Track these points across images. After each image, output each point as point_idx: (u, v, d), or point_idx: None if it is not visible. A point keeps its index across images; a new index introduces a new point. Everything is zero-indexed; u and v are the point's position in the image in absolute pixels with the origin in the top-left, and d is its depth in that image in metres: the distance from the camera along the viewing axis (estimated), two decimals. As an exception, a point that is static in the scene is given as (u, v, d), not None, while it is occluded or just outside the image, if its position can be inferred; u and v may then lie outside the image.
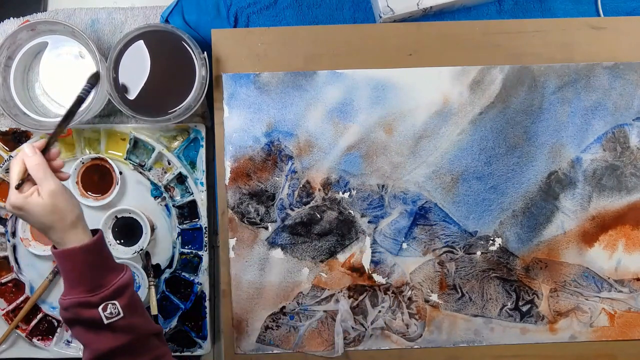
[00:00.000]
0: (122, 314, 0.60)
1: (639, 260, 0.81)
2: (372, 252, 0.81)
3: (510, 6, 0.84)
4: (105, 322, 0.59)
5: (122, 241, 0.82)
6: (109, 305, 0.60)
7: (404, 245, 0.81)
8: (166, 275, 0.83)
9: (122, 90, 0.77)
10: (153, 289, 0.81)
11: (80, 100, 0.67)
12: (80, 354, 0.82)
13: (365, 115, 0.80)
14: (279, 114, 0.80)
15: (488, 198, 0.81)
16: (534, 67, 0.80)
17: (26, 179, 0.62)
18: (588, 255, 0.81)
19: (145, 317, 0.64)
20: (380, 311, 0.81)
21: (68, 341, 0.83)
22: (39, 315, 0.82)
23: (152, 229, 0.82)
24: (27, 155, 0.62)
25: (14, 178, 0.61)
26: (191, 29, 0.83)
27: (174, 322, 0.82)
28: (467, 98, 0.80)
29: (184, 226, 0.82)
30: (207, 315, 0.82)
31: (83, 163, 0.81)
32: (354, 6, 0.84)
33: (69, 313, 0.60)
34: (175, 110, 0.76)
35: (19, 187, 0.61)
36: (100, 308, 0.59)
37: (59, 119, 0.66)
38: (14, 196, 0.61)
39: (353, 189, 0.81)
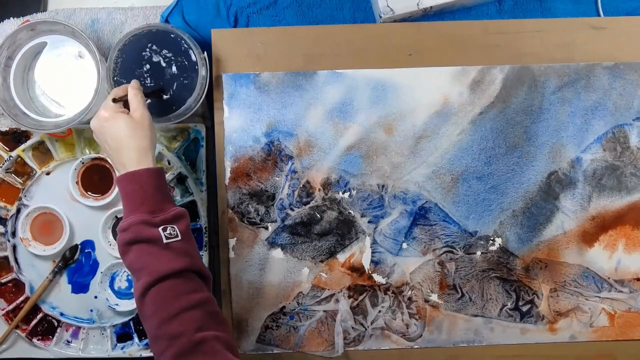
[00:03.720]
0: (179, 237, 0.62)
1: (639, 260, 0.81)
2: (372, 252, 0.81)
3: (510, 6, 0.84)
4: (165, 241, 0.61)
5: (122, 241, 0.82)
6: (169, 227, 0.62)
7: (404, 245, 0.81)
8: (166, 275, 0.83)
9: (122, 90, 0.77)
10: (153, 289, 0.81)
11: (162, 90, 0.76)
12: (80, 354, 0.82)
13: (365, 115, 0.80)
14: (279, 114, 0.80)
15: (488, 198, 0.81)
16: (534, 67, 0.80)
17: (121, 100, 0.68)
18: (588, 255, 0.81)
19: (198, 252, 0.65)
20: (380, 311, 0.81)
21: (68, 341, 0.83)
22: (39, 315, 0.82)
23: (152, 229, 0.82)
24: (133, 87, 0.69)
25: (113, 94, 0.68)
26: (191, 29, 0.83)
27: (174, 322, 0.82)
28: (467, 98, 0.80)
29: (184, 226, 0.82)
30: (207, 315, 0.82)
31: (83, 163, 0.81)
32: (354, 6, 0.84)
33: (128, 233, 0.61)
34: (175, 110, 0.76)
35: (115, 101, 0.67)
36: (160, 228, 0.61)
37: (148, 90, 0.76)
38: (104, 109, 0.66)
39: (353, 189, 0.81)
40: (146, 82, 0.77)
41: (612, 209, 0.81)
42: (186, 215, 0.65)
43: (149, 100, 0.76)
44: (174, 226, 0.63)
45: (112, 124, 0.65)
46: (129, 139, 0.65)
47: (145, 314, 0.60)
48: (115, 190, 0.81)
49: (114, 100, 0.68)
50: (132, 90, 0.68)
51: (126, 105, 0.68)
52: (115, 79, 0.77)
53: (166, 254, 0.61)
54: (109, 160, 0.80)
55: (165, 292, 0.59)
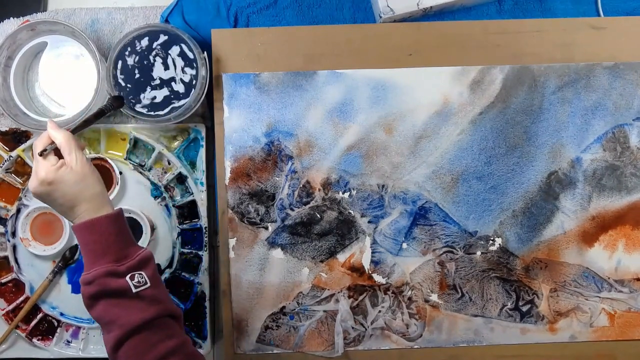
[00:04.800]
0: (149, 284, 0.60)
1: (639, 260, 0.81)
2: (372, 252, 0.81)
3: (510, 6, 0.84)
4: (134, 290, 0.59)
5: (122, 241, 0.82)
6: (136, 274, 0.60)
7: (404, 245, 0.81)
8: (166, 275, 0.83)
9: (122, 90, 0.77)
10: (153, 289, 0.81)
11: (101, 113, 0.71)
12: (80, 354, 0.82)
13: (365, 115, 0.80)
14: (279, 114, 0.80)
15: (488, 198, 0.81)
16: (534, 67, 0.80)
17: (49, 150, 0.63)
18: (588, 255, 0.81)
19: (168, 295, 0.63)
20: (380, 311, 0.81)
21: (68, 341, 0.83)
22: (39, 315, 0.82)
23: (152, 229, 0.82)
24: (54, 129, 0.63)
25: (39, 148, 0.62)
26: (191, 29, 0.83)
27: (174, 322, 0.82)
28: (467, 98, 0.80)
29: (184, 226, 0.82)
30: (207, 316, 0.82)
31: (83, 163, 0.81)
32: (354, 6, 0.84)
33: (94, 286, 0.59)
34: (175, 110, 0.77)
35: (42, 154, 0.62)
36: (127, 277, 0.59)
37: (79, 119, 0.70)
38: (43, 170, 0.61)
39: (353, 189, 0.81)
40: (146, 82, 0.77)
41: (612, 209, 0.81)
42: (151, 257, 0.63)
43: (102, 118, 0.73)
44: (142, 272, 0.60)
45: (57, 185, 0.61)
46: (81, 192, 0.61)
47: None
48: (115, 190, 0.81)
49: (42, 154, 0.62)
50: (58, 136, 0.63)
51: (57, 151, 0.63)
52: (115, 78, 0.77)
53: (136, 303, 0.59)
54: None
55: (139, 344, 0.58)
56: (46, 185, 0.61)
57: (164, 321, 0.60)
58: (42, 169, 0.61)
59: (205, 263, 0.82)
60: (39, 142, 0.63)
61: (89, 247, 0.61)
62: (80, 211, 0.62)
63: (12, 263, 0.83)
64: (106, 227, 0.61)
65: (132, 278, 0.59)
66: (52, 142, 0.63)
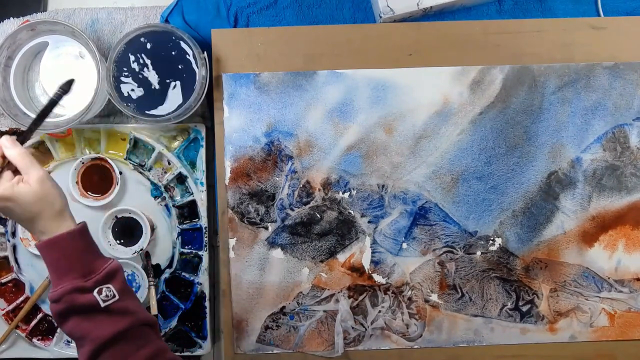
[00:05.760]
0: (117, 297, 0.59)
1: (639, 260, 0.81)
2: (372, 252, 0.81)
3: (510, 6, 0.84)
4: (102, 305, 0.58)
5: (122, 241, 0.82)
6: (104, 288, 0.59)
7: (404, 245, 0.81)
8: (166, 275, 0.83)
9: (122, 90, 0.77)
10: (153, 289, 0.81)
11: (53, 104, 0.67)
12: (80, 354, 0.82)
13: (365, 115, 0.80)
14: (279, 114, 0.80)
15: (488, 198, 0.81)
16: (534, 67, 0.80)
17: (5, 168, 0.61)
18: (588, 255, 0.81)
19: (139, 304, 0.62)
20: (380, 311, 0.81)
21: (68, 341, 0.83)
22: (39, 315, 0.82)
23: (152, 229, 0.82)
24: (7, 146, 0.61)
25: None
26: (191, 29, 0.83)
27: (174, 322, 0.82)
28: (467, 98, 0.80)
29: (184, 226, 0.82)
30: (207, 315, 0.82)
31: (83, 163, 0.81)
32: (354, 6, 0.84)
33: (61, 304, 0.58)
34: (175, 110, 0.77)
35: None
36: (95, 292, 0.58)
37: (36, 116, 0.67)
38: (0, 187, 0.59)
39: (353, 189, 0.81)
40: (146, 82, 0.77)
41: (612, 209, 0.81)
42: (119, 269, 0.62)
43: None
44: (109, 286, 0.59)
45: (14, 203, 0.59)
46: (42, 210, 0.60)
47: None
48: (115, 190, 0.81)
49: None
50: (12, 152, 0.61)
51: (10, 165, 0.62)
52: (115, 78, 0.77)
53: (106, 317, 0.58)
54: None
55: (114, 356, 0.57)
56: (4, 202, 0.59)
57: (138, 330, 0.59)
58: None
59: (205, 263, 0.82)
60: None
61: (53, 264, 0.60)
62: (41, 227, 0.60)
63: (12, 263, 0.83)
64: (69, 243, 0.60)
65: (99, 292, 0.58)
66: (6, 159, 0.61)
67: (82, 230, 0.62)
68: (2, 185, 0.60)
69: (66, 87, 0.68)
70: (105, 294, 0.59)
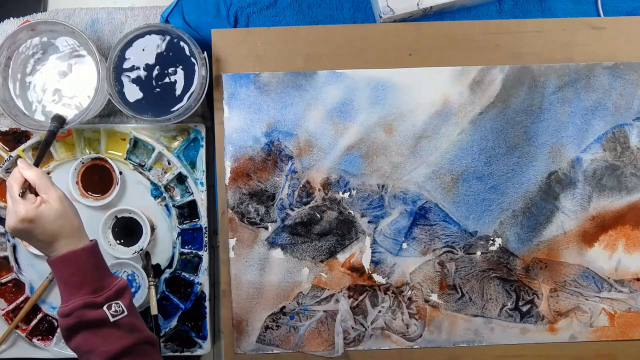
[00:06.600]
0: (126, 312, 0.61)
1: (639, 260, 0.81)
2: (372, 252, 0.81)
3: (510, 6, 0.84)
4: (112, 319, 0.60)
5: (122, 241, 0.82)
6: (113, 304, 0.61)
7: (404, 245, 0.81)
8: (166, 275, 0.83)
9: (122, 90, 0.77)
10: (153, 289, 0.81)
11: (52, 135, 0.71)
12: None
13: (365, 115, 0.80)
14: (279, 114, 0.80)
15: (488, 198, 0.81)
16: (534, 67, 0.80)
17: (26, 190, 0.63)
18: (588, 255, 0.81)
19: (144, 322, 0.64)
20: (380, 311, 0.81)
21: (68, 341, 0.83)
22: (39, 315, 0.82)
23: (152, 229, 0.82)
24: (25, 169, 0.63)
25: (15, 191, 0.62)
26: (191, 29, 0.83)
27: (174, 322, 0.82)
28: (467, 98, 0.80)
29: (184, 226, 0.82)
30: (207, 315, 0.82)
31: (83, 163, 0.81)
32: (354, 6, 0.84)
33: (71, 318, 0.60)
34: (175, 110, 0.77)
35: (22, 195, 0.62)
36: (105, 307, 0.60)
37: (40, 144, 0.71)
38: (23, 209, 0.61)
39: (353, 189, 0.81)
40: (146, 81, 0.77)
41: (612, 209, 0.81)
42: (127, 287, 0.64)
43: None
44: (119, 302, 0.61)
45: (38, 223, 0.61)
46: (61, 228, 0.62)
47: None
48: (115, 190, 0.81)
49: (22, 195, 0.62)
50: (31, 174, 0.63)
51: (32, 188, 0.64)
52: (115, 78, 0.77)
53: (114, 332, 0.60)
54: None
55: None
56: (27, 223, 0.61)
57: (142, 348, 0.61)
58: (22, 207, 0.61)
59: (205, 263, 0.82)
60: (14, 182, 0.63)
61: (66, 280, 0.61)
62: (60, 246, 0.62)
63: (12, 263, 0.83)
64: (84, 259, 0.62)
65: (109, 308, 0.60)
66: (26, 181, 0.63)
67: (95, 247, 0.64)
68: (26, 207, 0.61)
69: (58, 119, 0.72)
70: (114, 309, 0.60)
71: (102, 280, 0.62)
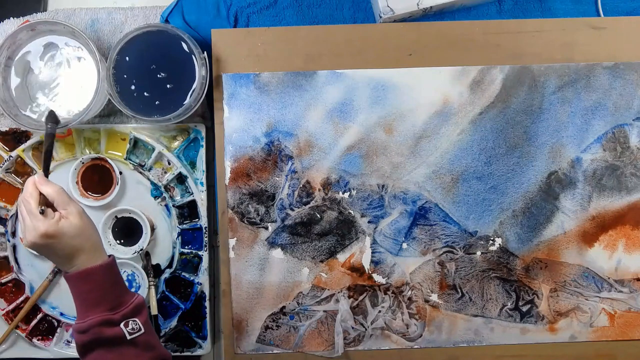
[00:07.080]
0: (143, 330, 0.60)
1: (639, 260, 0.81)
2: (372, 252, 0.81)
3: (510, 6, 0.84)
4: (128, 337, 0.59)
5: (122, 241, 0.82)
6: (130, 322, 0.60)
7: (404, 245, 0.81)
8: (166, 275, 0.83)
9: (122, 90, 0.77)
10: (153, 289, 0.81)
11: (51, 137, 0.69)
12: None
13: (365, 115, 0.80)
14: (279, 114, 0.80)
15: (488, 198, 0.81)
16: (534, 67, 0.80)
17: (46, 206, 0.62)
18: (588, 255, 0.81)
19: (159, 339, 0.64)
20: (380, 311, 0.81)
21: (68, 341, 0.83)
22: (39, 315, 0.82)
23: (152, 229, 0.82)
24: (43, 184, 0.62)
25: (34, 207, 0.61)
26: (191, 29, 0.83)
27: (174, 322, 0.82)
28: (467, 98, 0.80)
29: (184, 226, 0.82)
30: (207, 315, 0.82)
31: (83, 163, 0.81)
32: (354, 6, 0.84)
33: (88, 335, 0.59)
34: (175, 110, 0.77)
35: (42, 212, 0.60)
36: (122, 324, 0.59)
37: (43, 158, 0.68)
38: (44, 225, 0.59)
39: (353, 189, 0.81)
40: (146, 82, 0.77)
41: (612, 209, 0.81)
42: (144, 303, 0.64)
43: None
44: (136, 319, 0.60)
45: (59, 239, 0.60)
46: (81, 244, 0.61)
47: None
48: (115, 190, 0.81)
49: (43, 212, 0.61)
50: (49, 189, 0.62)
51: (48, 203, 0.63)
52: (115, 78, 0.77)
53: (131, 350, 0.59)
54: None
55: None
56: (47, 239, 0.60)
57: None
58: (42, 223, 0.60)
59: (205, 263, 0.82)
60: (30, 199, 0.61)
61: (84, 296, 0.61)
62: (78, 262, 0.61)
63: (12, 263, 0.83)
64: (102, 276, 0.61)
65: (126, 325, 0.60)
66: (42, 195, 0.62)
67: (113, 264, 0.63)
68: (47, 223, 0.60)
69: (52, 118, 0.70)
70: (131, 327, 0.60)
71: (120, 297, 0.61)
